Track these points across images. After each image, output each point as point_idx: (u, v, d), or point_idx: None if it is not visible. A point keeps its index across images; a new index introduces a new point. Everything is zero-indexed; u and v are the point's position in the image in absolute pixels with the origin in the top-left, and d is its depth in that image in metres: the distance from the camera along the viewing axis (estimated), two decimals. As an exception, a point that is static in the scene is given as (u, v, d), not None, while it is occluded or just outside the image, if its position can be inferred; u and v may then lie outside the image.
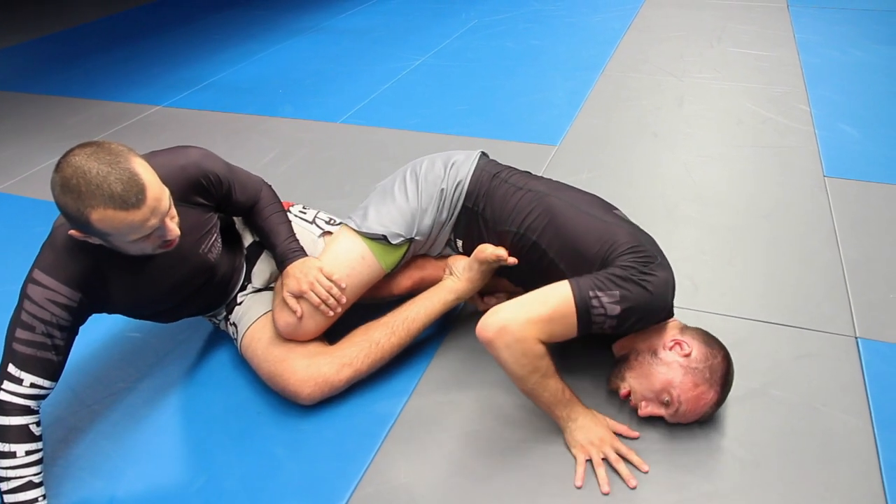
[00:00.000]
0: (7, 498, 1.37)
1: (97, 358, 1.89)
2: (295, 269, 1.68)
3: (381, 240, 1.74)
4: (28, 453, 1.39)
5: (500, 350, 1.42)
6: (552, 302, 1.45)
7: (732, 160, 2.74)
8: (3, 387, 1.39)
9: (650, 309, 1.49)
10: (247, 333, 1.73)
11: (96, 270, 1.44)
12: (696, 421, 1.55)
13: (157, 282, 1.56)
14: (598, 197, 1.75)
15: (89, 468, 1.57)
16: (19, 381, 1.39)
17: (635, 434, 1.56)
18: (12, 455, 1.38)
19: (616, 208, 1.73)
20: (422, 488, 1.47)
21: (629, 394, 1.55)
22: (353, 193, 2.59)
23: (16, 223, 2.59)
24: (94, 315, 1.51)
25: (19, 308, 1.41)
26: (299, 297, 1.66)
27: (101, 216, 1.26)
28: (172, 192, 1.40)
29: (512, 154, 2.55)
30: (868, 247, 2.18)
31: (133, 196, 1.27)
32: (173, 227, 1.38)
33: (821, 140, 2.87)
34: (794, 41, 4.09)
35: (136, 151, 1.33)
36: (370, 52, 4.28)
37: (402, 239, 1.75)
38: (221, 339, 1.94)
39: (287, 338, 1.69)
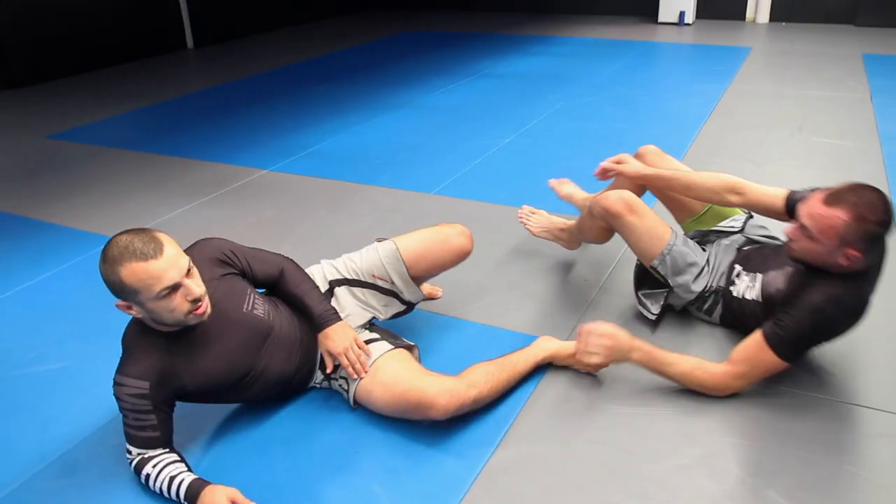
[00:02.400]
0: (172, 497, 1.67)
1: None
2: (334, 332, 1.92)
3: None
4: (155, 466, 1.70)
5: None
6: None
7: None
8: (126, 450, 1.74)
9: None
10: (370, 368, 1.91)
11: (160, 360, 1.70)
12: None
13: (218, 352, 1.78)
14: None
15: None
16: (129, 453, 1.73)
17: None
18: (149, 476, 1.70)
19: None
20: (505, 530, 1.60)
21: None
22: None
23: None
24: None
25: (118, 404, 1.70)
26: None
27: (129, 271, 1.54)
28: (200, 271, 1.68)
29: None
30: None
31: (151, 249, 1.55)
32: (195, 286, 1.64)
33: (901, 230, 2.92)
34: (877, 132, 4.15)
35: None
36: (462, 129, 4.55)
37: None
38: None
39: None
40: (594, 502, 1.66)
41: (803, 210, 1.81)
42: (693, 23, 8.27)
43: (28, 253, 3.06)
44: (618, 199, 2.16)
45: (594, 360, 1.95)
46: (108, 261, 1.56)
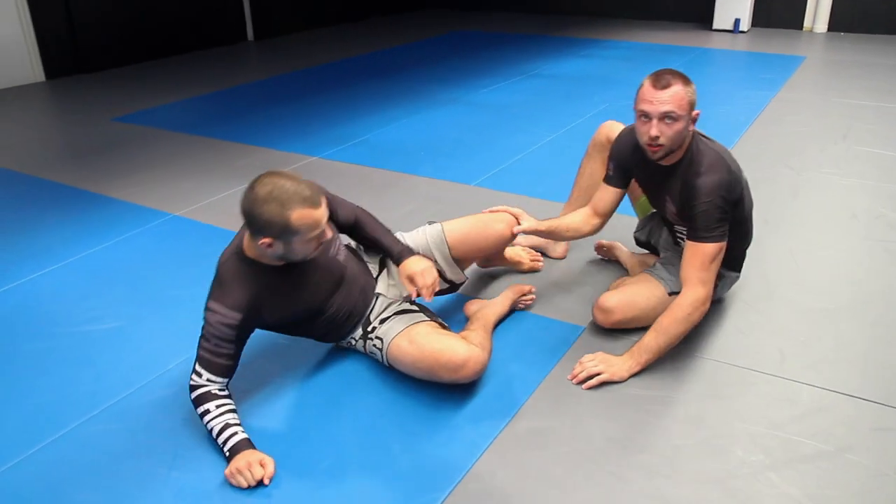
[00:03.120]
0: (219, 441, 1.81)
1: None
2: (415, 261, 2.12)
3: None
4: (218, 406, 1.84)
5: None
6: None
7: (839, 251, 2.87)
8: (192, 375, 1.87)
9: None
10: (402, 333, 2.05)
11: (254, 295, 1.87)
12: None
13: (303, 291, 1.97)
14: None
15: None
16: (199, 375, 1.86)
17: None
18: (207, 412, 1.84)
19: None
20: (516, 496, 1.71)
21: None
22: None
23: (193, 242, 3.05)
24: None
25: (203, 325, 1.86)
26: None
27: (300, 215, 1.73)
28: None
29: (627, 226, 2.79)
30: (964, 341, 2.27)
31: (318, 197, 1.78)
32: (329, 230, 1.86)
33: (933, 239, 2.94)
34: (922, 144, 4.14)
35: None
36: (505, 126, 4.66)
37: None
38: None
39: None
40: (600, 473, 1.76)
41: (652, 105, 2.04)
42: (748, 30, 8.21)
43: (91, 224, 3.27)
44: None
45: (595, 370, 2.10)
46: (275, 202, 1.72)
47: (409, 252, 2.16)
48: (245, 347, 1.93)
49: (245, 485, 1.72)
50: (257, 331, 1.99)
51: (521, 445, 1.86)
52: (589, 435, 1.89)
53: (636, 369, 2.09)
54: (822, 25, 8.05)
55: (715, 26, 8.26)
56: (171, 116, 5.18)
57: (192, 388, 1.87)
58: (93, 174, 3.96)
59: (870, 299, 2.50)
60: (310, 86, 5.96)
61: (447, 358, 1.94)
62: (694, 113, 2.06)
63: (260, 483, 1.74)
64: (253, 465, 1.74)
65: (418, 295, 2.08)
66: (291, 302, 1.96)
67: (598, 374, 2.07)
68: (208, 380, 1.86)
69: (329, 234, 1.86)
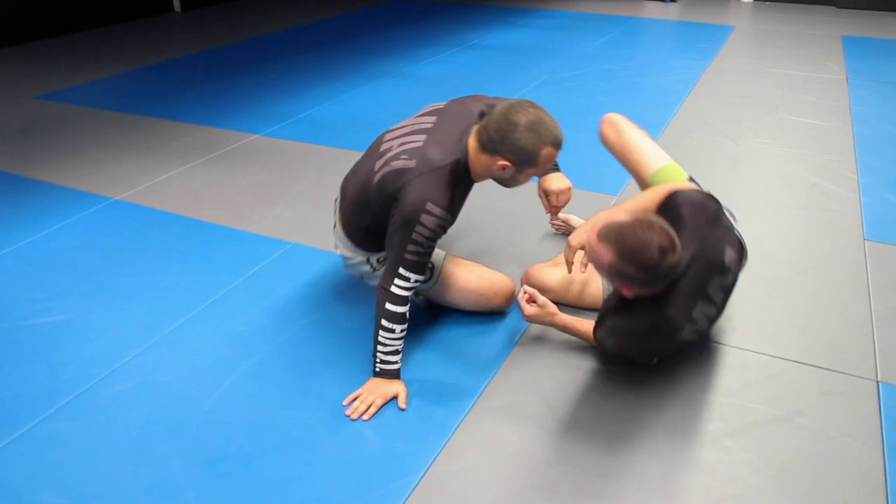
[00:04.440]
0: (381, 356, 1.96)
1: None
2: (556, 177, 2.36)
3: None
4: (401, 331, 1.96)
5: None
6: None
7: (779, 220, 2.97)
8: (396, 283, 1.92)
9: None
10: (448, 259, 2.27)
11: (456, 203, 1.97)
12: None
13: (462, 202, 2.08)
14: None
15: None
16: (407, 280, 1.93)
17: None
18: (393, 331, 1.94)
19: None
20: (488, 474, 1.74)
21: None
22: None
23: (138, 227, 2.96)
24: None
25: (409, 231, 1.88)
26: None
27: (548, 153, 1.88)
28: None
29: (574, 201, 2.83)
30: (898, 304, 2.40)
31: (562, 142, 1.92)
32: None
33: (864, 206, 3.08)
34: (850, 112, 4.30)
35: None
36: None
37: None
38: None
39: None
40: (561, 447, 1.81)
41: (588, 236, 1.85)
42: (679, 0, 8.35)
43: (26, 211, 3.14)
44: None
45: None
46: (535, 133, 1.85)
47: (554, 168, 2.37)
48: (206, 331, 1.90)
49: (360, 412, 1.91)
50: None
51: (490, 421, 1.89)
52: (554, 410, 1.93)
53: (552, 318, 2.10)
54: (748, -6, 8.24)
55: (647, -5, 8.36)
56: (98, 93, 4.97)
57: (395, 297, 1.92)
58: (20, 156, 3.78)
59: (810, 267, 2.61)
60: (244, 60, 5.80)
61: (499, 286, 2.26)
62: (622, 287, 1.83)
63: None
64: (376, 401, 1.93)
65: (548, 212, 2.39)
66: (455, 215, 2.02)
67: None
68: (416, 281, 1.94)
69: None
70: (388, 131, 2.16)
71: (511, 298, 2.30)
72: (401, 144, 2.03)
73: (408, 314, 1.96)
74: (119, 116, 4.41)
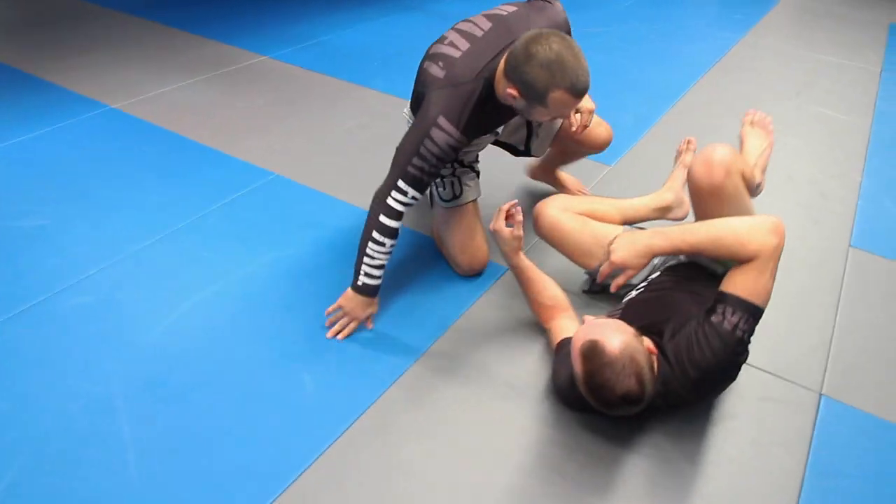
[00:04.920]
0: (366, 269, 1.95)
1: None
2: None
3: None
4: (391, 246, 1.94)
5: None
6: None
7: (766, 213, 2.92)
8: (393, 196, 1.88)
9: None
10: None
11: (476, 123, 1.87)
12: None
13: (497, 122, 2.02)
14: None
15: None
16: (405, 194, 1.87)
17: None
18: (383, 244, 1.92)
19: None
20: (413, 432, 1.78)
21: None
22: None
23: (130, 140, 2.98)
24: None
25: (418, 142, 1.83)
26: None
27: (559, 96, 1.71)
28: None
29: (570, 167, 2.80)
30: (865, 318, 2.37)
31: (583, 91, 1.74)
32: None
33: (860, 211, 3.02)
34: (874, 109, 4.18)
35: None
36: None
37: None
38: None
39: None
40: (489, 412, 1.84)
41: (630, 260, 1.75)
42: (730, -38, 8.05)
43: (21, 108, 3.16)
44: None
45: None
46: (548, 71, 1.68)
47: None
48: (173, 254, 1.93)
49: (336, 330, 2.01)
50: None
51: (423, 381, 1.93)
52: (488, 377, 1.96)
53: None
54: (803, -35, 7.92)
55: (697, -47, 8.06)
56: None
57: (388, 209, 1.88)
58: (25, 50, 3.79)
59: (786, 267, 2.56)
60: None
61: (470, 258, 2.24)
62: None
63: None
64: (360, 320, 2.01)
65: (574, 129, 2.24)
66: (483, 131, 1.96)
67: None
68: (413, 198, 1.88)
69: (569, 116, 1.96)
70: (464, 20, 2.08)
71: (471, 274, 2.28)
72: (450, 44, 1.96)
73: (398, 229, 1.93)
74: (133, 20, 4.39)
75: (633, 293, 2.00)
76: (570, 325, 1.99)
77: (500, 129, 2.14)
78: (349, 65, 3.98)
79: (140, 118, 3.15)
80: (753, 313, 1.63)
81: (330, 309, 2.03)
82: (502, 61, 1.81)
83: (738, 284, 1.63)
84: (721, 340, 1.62)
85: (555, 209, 2.09)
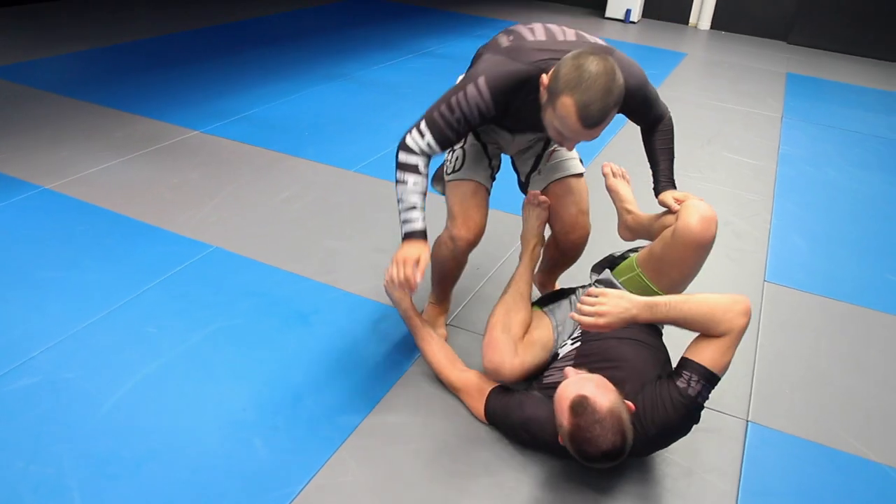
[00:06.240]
0: (403, 215, 1.91)
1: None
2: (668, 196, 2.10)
3: None
4: (414, 183, 1.89)
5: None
6: None
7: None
8: (412, 134, 1.88)
9: None
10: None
11: (515, 108, 1.86)
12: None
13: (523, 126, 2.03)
14: None
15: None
16: (422, 136, 1.87)
17: None
18: (405, 182, 1.90)
19: None
20: (365, 490, 1.83)
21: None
22: (354, 238, 2.99)
23: (65, 220, 2.98)
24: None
25: (453, 92, 1.83)
26: None
27: (567, 104, 1.66)
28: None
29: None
30: (783, 347, 2.54)
31: (588, 118, 1.66)
32: (572, 145, 1.83)
33: (771, 248, 3.24)
34: (778, 152, 4.49)
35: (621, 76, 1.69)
36: (392, 107, 4.72)
37: None
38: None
39: None
40: (440, 466, 1.91)
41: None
42: (638, 21, 8.54)
43: (-50, 193, 3.14)
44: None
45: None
46: (575, 76, 1.63)
47: (671, 186, 2.14)
48: (116, 331, 1.95)
49: (394, 280, 1.87)
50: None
51: (375, 440, 1.98)
52: (431, 433, 2.03)
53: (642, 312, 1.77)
54: (705, 22, 8.46)
55: (607, 14, 8.54)
56: (40, 74, 4.92)
57: (406, 147, 1.88)
58: (-44, 135, 3.77)
59: (708, 305, 2.75)
60: (196, 50, 5.80)
61: (457, 229, 2.19)
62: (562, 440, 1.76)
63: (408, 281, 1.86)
64: (408, 261, 1.85)
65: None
66: (508, 116, 1.94)
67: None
68: (428, 144, 1.87)
69: (569, 147, 1.84)
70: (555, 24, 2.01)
71: (463, 244, 2.18)
72: (530, 29, 1.91)
73: (421, 167, 1.89)
74: (60, 100, 4.40)
75: (573, 341, 2.10)
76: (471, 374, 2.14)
77: (518, 137, 2.15)
78: (279, 136, 4.08)
79: (75, 197, 3.16)
80: (713, 382, 1.76)
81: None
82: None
83: (705, 356, 1.74)
84: (684, 406, 1.75)
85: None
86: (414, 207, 1.91)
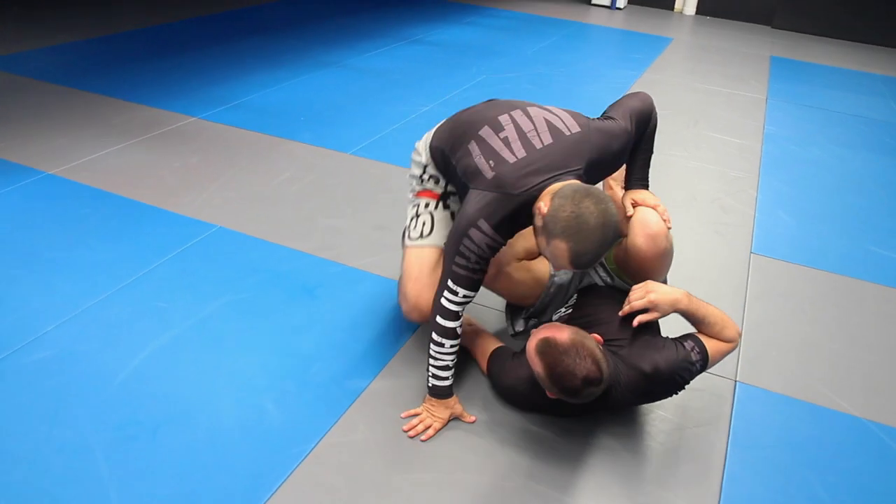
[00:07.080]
0: (432, 370, 1.98)
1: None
2: (644, 194, 2.17)
3: None
4: (451, 346, 1.96)
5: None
6: None
7: (675, 230, 3.19)
8: (445, 296, 1.92)
9: None
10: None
11: (516, 228, 1.93)
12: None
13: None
14: None
15: (119, 400, 2.02)
16: (455, 294, 1.91)
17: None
18: (442, 345, 1.95)
19: None
20: (374, 447, 1.93)
21: None
22: (353, 216, 3.08)
23: (69, 203, 3.05)
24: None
25: (458, 241, 1.87)
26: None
27: (558, 248, 1.71)
28: None
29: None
30: (769, 313, 2.65)
31: (582, 266, 1.74)
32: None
33: (757, 222, 3.35)
34: (763, 132, 4.59)
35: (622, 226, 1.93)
36: (385, 93, 4.80)
37: None
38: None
39: None
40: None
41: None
42: (625, 7, 8.62)
43: (-44, 179, 3.20)
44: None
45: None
46: (564, 221, 1.68)
47: (639, 185, 2.21)
48: (127, 306, 2.02)
49: (417, 431, 1.98)
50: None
51: (381, 401, 2.08)
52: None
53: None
54: (691, 8, 8.56)
55: (594, 1, 8.62)
56: (40, 64, 4.98)
57: (444, 311, 1.92)
58: (-44, 124, 3.83)
59: (696, 277, 2.85)
60: (192, 38, 5.85)
61: (405, 293, 2.17)
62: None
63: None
64: (436, 429, 1.98)
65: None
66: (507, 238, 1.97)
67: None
68: (465, 296, 1.90)
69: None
70: (526, 104, 2.08)
71: (414, 316, 2.17)
72: (505, 140, 1.94)
73: (459, 330, 1.94)
74: (60, 89, 4.45)
75: (566, 308, 2.22)
76: (490, 339, 2.24)
77: None
78: (275, 121, 4.15)
79: (79, 182, 3.23)
80: (705, 365, 1.93)
81: (406, 414, 2.04)
82: (551, 194, 1.78)
83: (710, 344, 1.94)
84: (678, 354, 1.90)
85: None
86: (448, 367, 1.98)
